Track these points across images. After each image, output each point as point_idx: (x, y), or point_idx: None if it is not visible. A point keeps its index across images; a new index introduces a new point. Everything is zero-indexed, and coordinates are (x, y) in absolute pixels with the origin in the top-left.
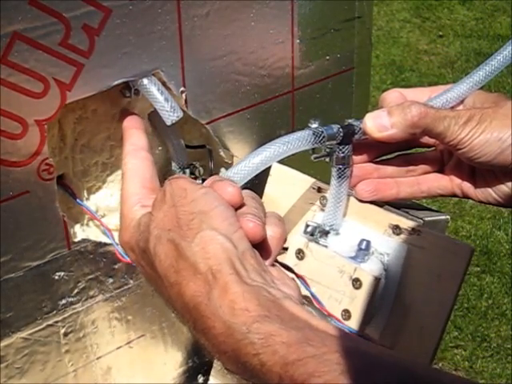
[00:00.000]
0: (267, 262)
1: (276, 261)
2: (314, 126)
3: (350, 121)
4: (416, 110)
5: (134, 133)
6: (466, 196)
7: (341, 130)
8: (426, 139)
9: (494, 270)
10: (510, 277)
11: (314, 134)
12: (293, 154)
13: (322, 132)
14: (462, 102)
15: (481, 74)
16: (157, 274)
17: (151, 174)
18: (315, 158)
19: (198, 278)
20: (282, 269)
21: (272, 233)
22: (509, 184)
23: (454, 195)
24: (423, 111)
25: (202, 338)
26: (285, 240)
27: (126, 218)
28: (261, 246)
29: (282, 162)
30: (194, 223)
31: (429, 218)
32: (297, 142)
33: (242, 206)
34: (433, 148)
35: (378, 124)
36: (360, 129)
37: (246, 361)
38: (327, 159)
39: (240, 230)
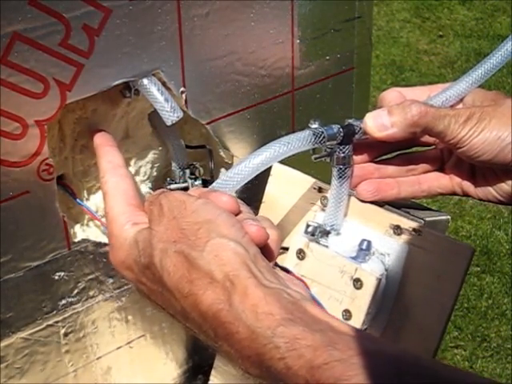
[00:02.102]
0: (270, 265)
1: (275, 263)
2: (314, 126)
3: (350, 121)
4: (416, 109)
5: (109, 150)
6: (466, 194)
7: (341, 130)
8: (425, 138)
9: (494, 270)
10: (509, 277)
11: (314, 134)
12: (293, 155)
13: (323, 132)
14: (461, 100)
15: (480, 72)
16: (165, 287)
17: (134, 190)
18: (316, 159)
19: (216, 285)
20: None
21: (270, 235)
22: (509, 182)
23: (454, 194)
24: (423, 110)
25: (223, 345)
26: (281, 242)
27: (119, 238)
28: (263, 250)
29: (282, 162)
30: (201, 232)
31: (430, 218)
32: (297, 142)
33: (238, 213)
34: (433, 147)
35: (379, 123)
36: (360, 129)
37: (270, 365)
38: (328, 159)
39: (247, 235)
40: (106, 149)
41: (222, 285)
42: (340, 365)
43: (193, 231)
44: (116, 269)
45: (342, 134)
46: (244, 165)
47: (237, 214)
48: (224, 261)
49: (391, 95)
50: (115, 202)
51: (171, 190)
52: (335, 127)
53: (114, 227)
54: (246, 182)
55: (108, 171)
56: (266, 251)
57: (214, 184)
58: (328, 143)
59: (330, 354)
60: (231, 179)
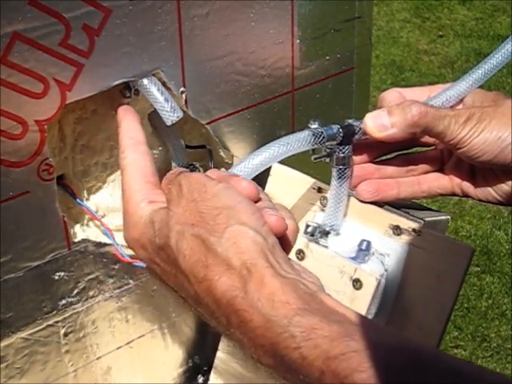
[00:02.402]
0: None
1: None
2: (314, 126)
3: (350, 121)
4: (416, 109)
5: (132, 126)
6: (465, 195)
7: (341, 130)
8: (425, 138)
9: (494, 269)
10: (510, 277)
11: (313, 134)
12: (293, 155)
13: (322, 132)
14: (461, 100)
15: (480, 73)
16: (179, 270)
17: (152, 168)
18: (315, 159)
19: (232, 272)
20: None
21: (288, 226)
22: (509, 183)
23: (454, 194)
24: (423, 110)
25: (236, 333)
26: (298, 233)
27: (134, 216)
28: (280, 240)
29: (282, 162)
30: (220, 218)
31: (429, 219)
32: (296, 142)
33: (258, 200)
34: (432, 147)
35: (379, 124)
36: (360, 129)
37: (285, 354)
38: (327, 160)
39: (266, 224)
40: (128, 124)
41: (239, 272)
42: (357, 356)
43: (212, 216)
44: (129, 246)
45: (341, 135)
46: (243, 165)
47: (256, 201)
48: (242, 249)
49: (391, 95)
50: (132, 178)
51: None
52: (335, 127)
53: (130, 204)
54: None
55: (128, 147)
56: (283, 241)
57: None
58: (328, 143)
59: (346, 344)
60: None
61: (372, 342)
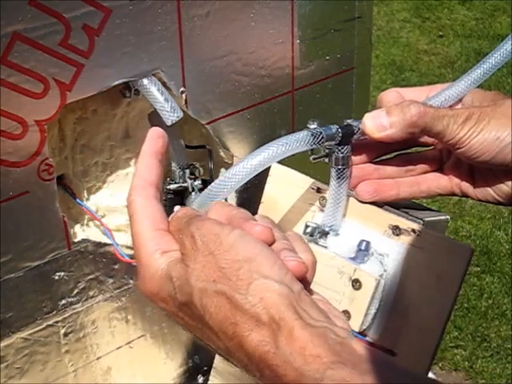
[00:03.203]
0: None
1: None
2: (313, 126)
3: (348, 121)
4: (415, 109)
5: (146, 163)
6: (465, 195)
7: (340, 130)
8: (424, 138)
9: (494, 269)
10: (510, 277)
11: (312, 134)
12: (292, 155)
13: (321, 133)
14: (460, 100)
15: (479, 72)
16: (205, 326)
17: (161, 213)
18: (314, 159)
19: (261, 328)
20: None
21: (306, 261)
22: (508, 183)
23: (453, 194)
24: (422, 110)
25: None
26: (316, 263)
27: (149, 267)
28: (301, 279)
29: (281, 162)
30: (242, 273)
31: (429, 219)
32: (295, 143)
33: (273, 241)
34: (431, 147)
35: (377, 124)
36: (359, 129)
37: None
38: (326, 160)
39: (289, 272)
40: (144, 159)
41: (268, 327)
42: None
43: (233, 271)
44: (148, 298)
45: (340, 135)
46: (242, 166)
47: (272, 243)
48: (269, 303)
49: (390, 95)
50: (142, 226)
51: (171, 190)
52: (334, 128)
53: (143, 254)
54: (244, 182)
55: (136, 189)
56: (303, 279)
57: (212, 185)
58: (326, 144)
59: None
60: (230, 180)
61: None
